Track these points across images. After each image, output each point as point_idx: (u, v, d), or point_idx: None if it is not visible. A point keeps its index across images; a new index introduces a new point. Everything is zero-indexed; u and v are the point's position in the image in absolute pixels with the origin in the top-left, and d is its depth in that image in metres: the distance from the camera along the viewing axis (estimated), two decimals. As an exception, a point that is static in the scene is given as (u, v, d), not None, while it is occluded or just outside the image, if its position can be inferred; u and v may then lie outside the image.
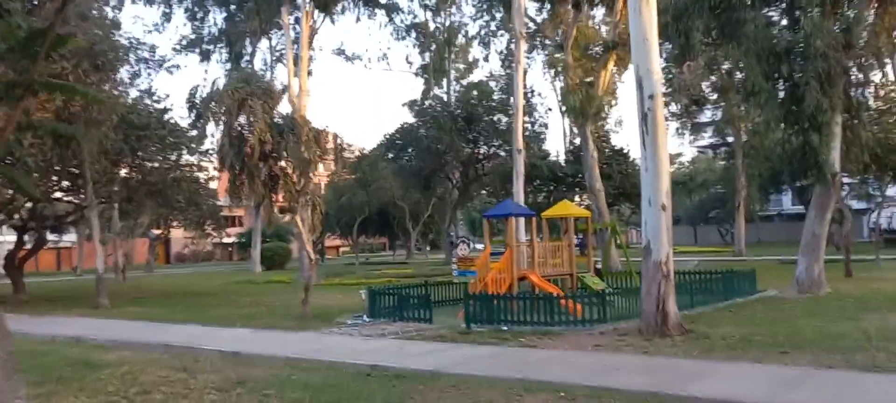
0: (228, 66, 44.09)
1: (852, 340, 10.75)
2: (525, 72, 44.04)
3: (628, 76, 34.39)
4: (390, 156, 50.92)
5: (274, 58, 48.20)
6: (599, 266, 19.73)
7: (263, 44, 48.07)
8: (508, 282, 16.53)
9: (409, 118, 51.54)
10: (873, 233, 46.48)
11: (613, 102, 49.57)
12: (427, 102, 51.99)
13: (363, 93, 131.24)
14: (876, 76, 20.08)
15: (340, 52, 52.29)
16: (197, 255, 70.77)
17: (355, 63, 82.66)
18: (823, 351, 9.90)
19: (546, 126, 52.95)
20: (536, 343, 11.74)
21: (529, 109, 48.13)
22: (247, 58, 45.94)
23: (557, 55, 34.16)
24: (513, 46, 29.81)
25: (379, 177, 50.65)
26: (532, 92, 51.35)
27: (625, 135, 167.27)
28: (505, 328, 13.33)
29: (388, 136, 51.61)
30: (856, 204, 54.09)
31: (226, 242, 69.08)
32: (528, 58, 40.82)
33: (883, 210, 54.25)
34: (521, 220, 20.30)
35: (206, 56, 44.20)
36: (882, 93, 23.46)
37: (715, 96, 41.70)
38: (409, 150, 50.16)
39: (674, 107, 43.22)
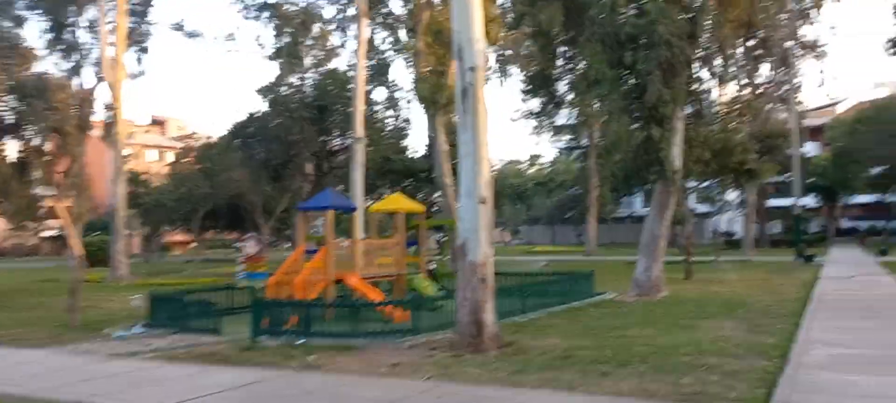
0: (51, 36, 38.95)
1: (684, 355, 9.38)
2: (382, 58, 42.19)
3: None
4: (239, 144, 47.39)
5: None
6: (433, 266, 17.91)
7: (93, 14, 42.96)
8: (322, 285, 14.33)
9: (264, 106, 48.24)
10: (715, 236, 48.27)
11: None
12: (282, 89, 48.83)
13: (219, 79, 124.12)
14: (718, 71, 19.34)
15: (178, 27, 47.62)
16: (19, 249, 63.50)
17: (198, 41, 77.02)
18: (650, 371, 8.40)
19: (409, 120, 50.93)
20: (325, 362, 9.59)
21: (392, 102, 46.27)
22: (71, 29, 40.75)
23: (407, 40, 32.16)
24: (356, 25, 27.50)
25: (226, 166, 46.96)
26: (394, 84, 49.36)
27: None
28: (300, 341, 11.10)
29: (237, 124, 48.10)
30: (700, 208, 56.28)
31: (54, 235, 62.35)
32: (392, 49, 38.54)
33: (723, 214, 56.84)
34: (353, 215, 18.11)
35: (18, 22, 38.71)
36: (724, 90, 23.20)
37: (571, 96, 41.35)
38: (259, 140, 46.89)
39: (534, 104, 42.54)
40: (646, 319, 13.25)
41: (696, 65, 18.83)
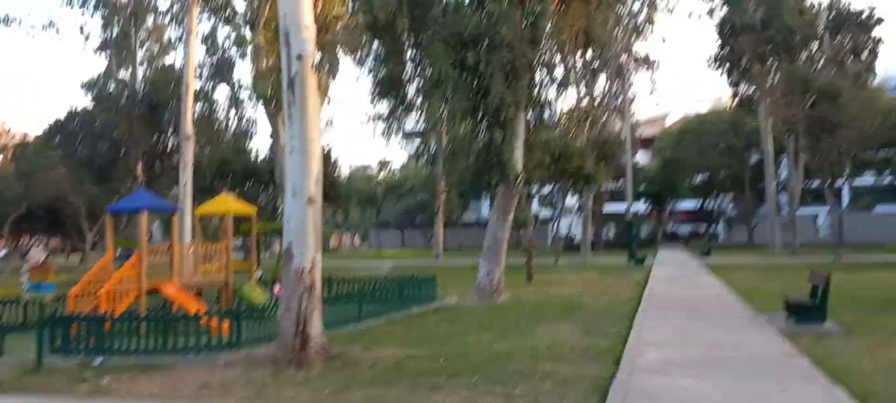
0: None
1: (520, 362, 9.00)
2: (226, 55, 39.97)
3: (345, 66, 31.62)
4: (59, 142, 43.17)
5: None
6: (260, 273, 16.70)
7: None
8: (133, 296, 12.80)
9: (89, 101, 44.26)
10: (556, 240, 49.98)
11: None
12: (111, 84, 45.02)
13: (39, 72, 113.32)
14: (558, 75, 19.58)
15: (-12, 12, 42.68)
16: None
17: (13, 28, 69.64)
18: (484, 380, 7.91)
19: (254, 121, 48.64)
20: (121, 386, 8.31)
21: (235, 101, 44.03)
22: None
23: (245, 34, 30.47)
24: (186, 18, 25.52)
25: (42, 166, 42.49)
26: (239, 83, 47.03)
27: (332, 135, 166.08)
28: (97, 361, 9.67)
29: (58, 121, 43.89)
30: (543, 213, 58.15)
31: None
32: (234, 44, 36.35)
33: (564, 218, 59.08)
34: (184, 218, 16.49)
35: None
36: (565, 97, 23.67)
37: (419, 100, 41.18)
38: (82, 137, 42.95)
39: (382, 108, 41.91)
40: (485, 324, 12.89)
41: (538, 70, 18.93)
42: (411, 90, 34.37)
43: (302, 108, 9.67)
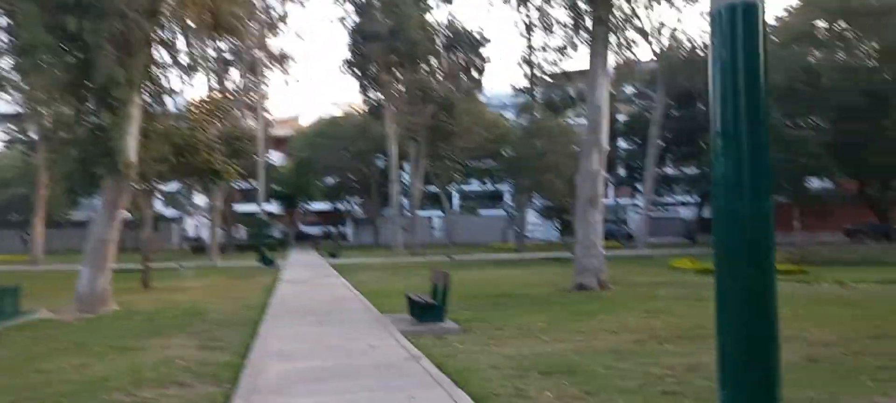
0: None
1: (116, 390, 7.36)
2: None
3: None
4: None
5: None
6: None
7: None
8: None
9: None
10: (182, 241, 46.65)
11: None
12: None
13: None
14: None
15: None
16: None
17: None
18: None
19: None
20: None
21: None
22: None
23: None
24: None
25: None
26: None
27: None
28: None
29: None
30: (168, 212, 53.97)
31: None
32: None
33: (192, 219, 55.67)
34: None
35: None
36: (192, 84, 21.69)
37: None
38: None
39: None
40: (81, 342, 10.70)
41: (157, 48, 16.86)
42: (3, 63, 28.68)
43: None
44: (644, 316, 12.11)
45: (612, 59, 25.05)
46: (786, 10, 37.91)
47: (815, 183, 39.03)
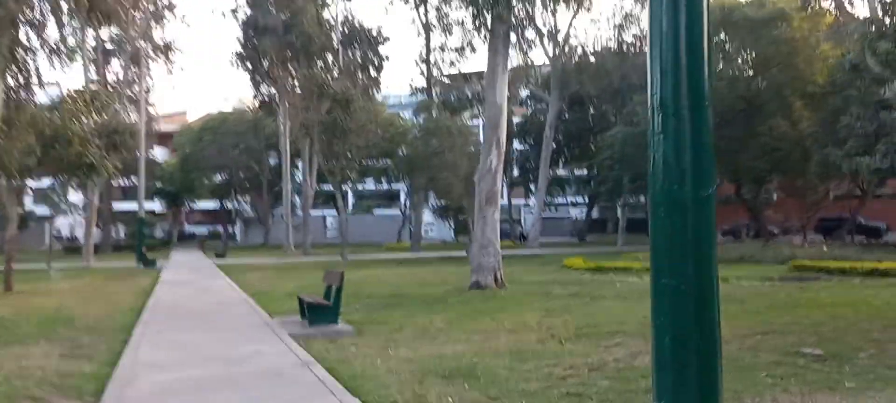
0: None
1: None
2: None
3: None
4: None
5: None
6: None
7: None
8: None
9: None
10: (55, 241, 43.41)
11: None
12: None
13: None
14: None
15: None
16: None
17: None
18: None
19: None
20: None
21: None
22: None
23: None
24: None
25: None
26: None
27: None
28: None
29: None
30: (40, 210, 50.20)
31: None
32: None
33: (68, 217, 51.99)
34: None
35: None
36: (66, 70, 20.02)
37: None
38: None
39: None
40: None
41: (24, 29, 15.39)
42: None
43: None
44: (543, 315, 11.97)
45: (512, 60, 25.18)
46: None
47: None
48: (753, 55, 34.62)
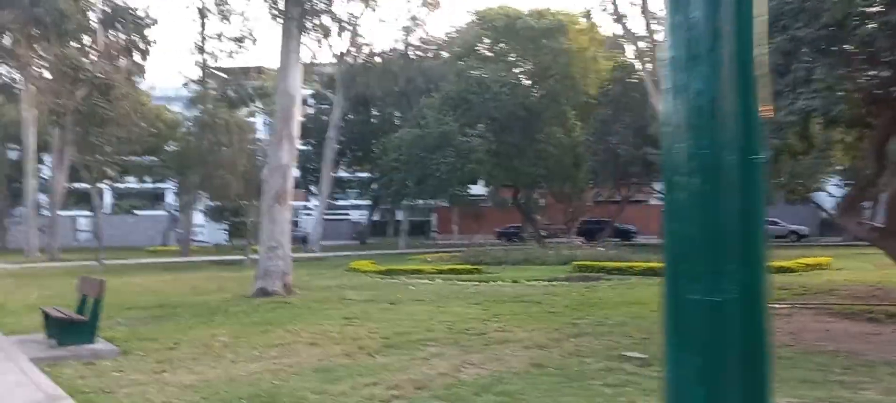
0: None
1: None
2: None
3: None
4: None
5: None
6: None
7: None
8: None
9: None
10: None
11: None
12: None
13: None
14: None
15: None
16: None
17: None
18: None
19: None
20: None
21: None
22: None
23: None
24: None
25: None
26: None
27: None
28: None
29: None
30: None
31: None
32: None
33: None
34: None
35: None
36: None
37: None
38: None
39: None
40: None
41: None
42: None
43: None
44: (343, 324, 10.85)
45: (305, 50, 23.64)
46: (452, 26, 40.34)
47: (474, 188, 42.09)
48: (533, 65, 36.26)
